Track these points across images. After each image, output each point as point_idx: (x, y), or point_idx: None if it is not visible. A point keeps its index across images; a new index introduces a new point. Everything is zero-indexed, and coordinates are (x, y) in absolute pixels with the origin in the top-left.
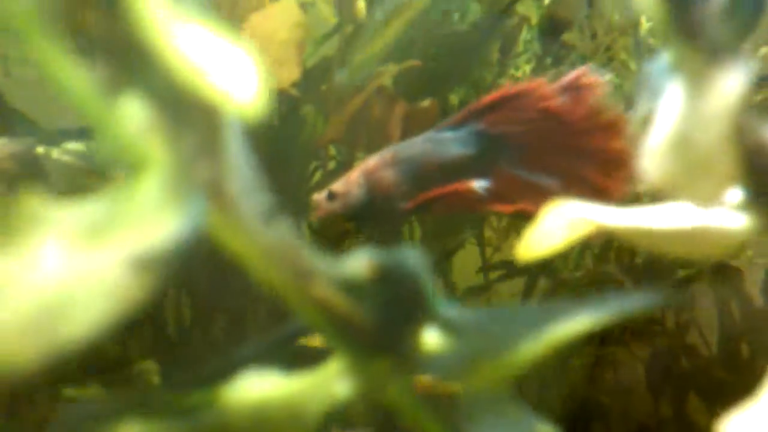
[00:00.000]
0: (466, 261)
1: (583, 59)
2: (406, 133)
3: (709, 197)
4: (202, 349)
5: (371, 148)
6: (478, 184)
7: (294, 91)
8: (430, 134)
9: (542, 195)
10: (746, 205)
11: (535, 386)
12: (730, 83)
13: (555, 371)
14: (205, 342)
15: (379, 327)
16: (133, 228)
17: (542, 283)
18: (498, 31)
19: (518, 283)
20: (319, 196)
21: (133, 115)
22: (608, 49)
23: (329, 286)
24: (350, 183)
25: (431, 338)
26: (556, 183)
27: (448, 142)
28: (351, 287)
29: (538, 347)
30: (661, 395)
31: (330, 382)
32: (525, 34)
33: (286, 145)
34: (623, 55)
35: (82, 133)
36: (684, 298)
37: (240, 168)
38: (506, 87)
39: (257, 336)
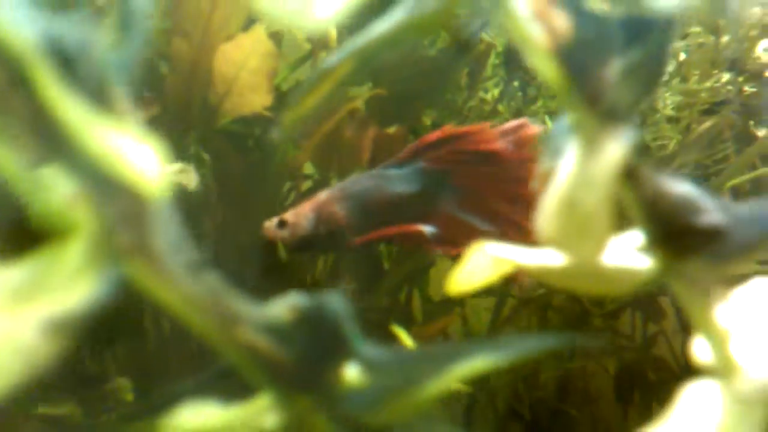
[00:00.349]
0: (443, 275)
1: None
2: (376, 156)
3: (589, 254)
4: (177, 364)
5: (342, 171)
6: (426, 229)
7: (268, 114)
8: (375, 171)
9: (475, 239)
10: (647, 248)
11: (506, 398)
12: (618, 145)
13: (526, 384)
14: (184, 357)
15: (302, 366)
16: (51, 292)
17: (510, 300)
18: (466, 57)
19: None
20: (270, 223)
21: (59, 187)
22: None
23: (253, 330)
24: (300, 215)
25: (351, 375)
26: (492, 226)
27: (392, 179)
28: (274, 330)
29: (445, 383)
30: (630, 406)
31: (259, 415)
32: (493, 59)
33: (261, 166)
34: None
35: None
36: (648, 308)
37: (165, 228)
38: (449, 127)
39: (204, 366)
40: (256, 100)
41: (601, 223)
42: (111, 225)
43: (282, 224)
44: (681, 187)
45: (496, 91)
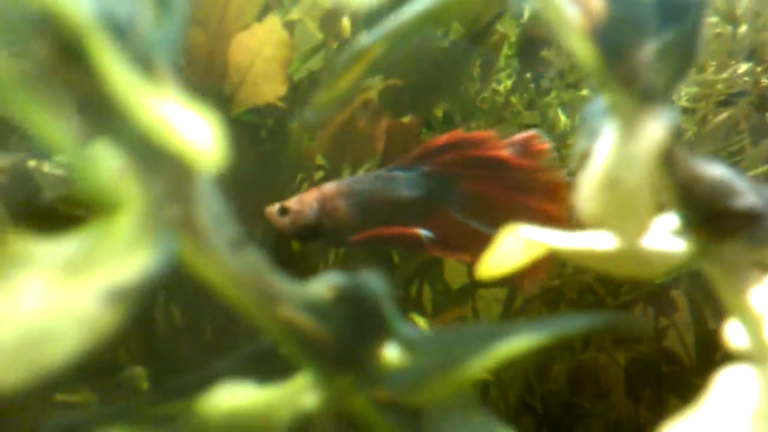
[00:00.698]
0: (453, 268)
1: (561, 75)
2: (389, 146)
3: (634, 233)
4: (191, 354)
5: (356, 162)
6: (423, 233)
7: (281, 105)
8: (382, 172)
9: (480, 243)
10: (682, 231)
11: (519, 391)
12: (657, 126)
13: (538, 377)
14: (195, 347)
15: (342, 344)
16: (107, 264)
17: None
18: (479, 48)
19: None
20: (272, 209)
21: (108, 162)
22: None
23: (294, 307)
24: (304, 203)
25: (390, 355)
26: (494, 233)
27: (398, 182)
28: (315, 309)
29: (485, 363)
30: (641, 399)
31: (298, 394)
32: (506, 51)
33: (274, 157)
34: None
35: None
36: (660, 302)
37: (209, 203)
38: (457, 132)
39: (239, 347)
40: (271, 89)
41: (644, 202)
42: (159, 199)
43: (284, 211)
44: (716, 170)
45: (508, 83)
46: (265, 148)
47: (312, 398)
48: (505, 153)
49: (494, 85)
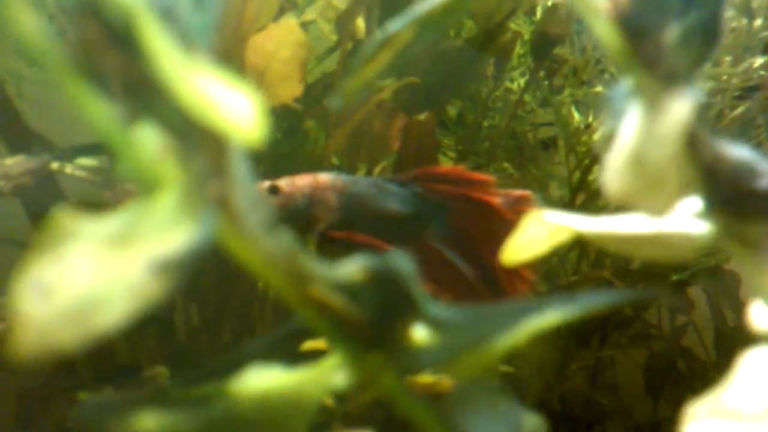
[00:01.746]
0: None
1: (575, 72)
2: (405, 145)
3: (661, 208)
4: (210, 354)
5: (372, 161)
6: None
7: (296, 106)
8: (378, 180)
9: (450, 276)
10: (705, 213)
11: (537, 389)
12: (682, 106)
13: (556, 375)
14: (214, 347)
15: (372, 324)
16: (153, 238)
17: (541, 287)
18: (492, 46)
19: None
20: (262, 185)
21: (149, 142)
22: (598, 62)
23: (326, 288)
24: (296, 187)
25: (420, 334)
26: (474, 273)
27: (391, 195)
28: (346, 289)
29: (515, 339)
30: (660, 397)
31: (329, 374)
32: (518, 49)
33: (290, 158)
34: (613, 69)
35: (94, 150)
36: (677, 299)
37: (245, 184)
38: (460, 168)
39: (261, 335)
40: (287, 90)
41: (670, 177)
42: (199, 177)
43: (274, 190)
44: (740, 152)
45: (522, 81)
46: (281, 149)
47: (342, 378)
48: (497, 201)
49: (507, 83)
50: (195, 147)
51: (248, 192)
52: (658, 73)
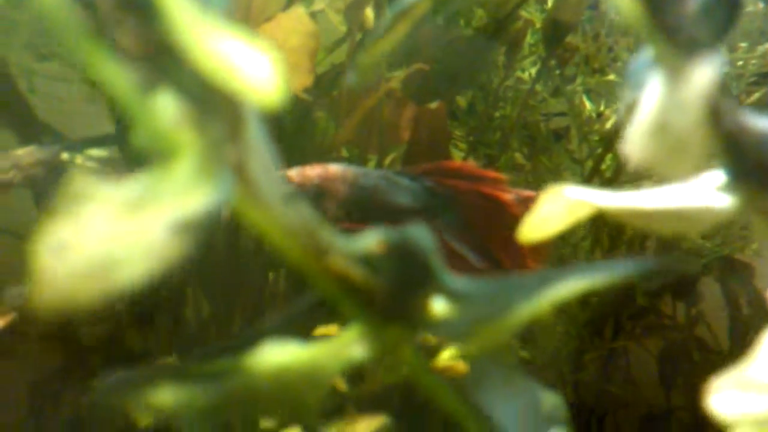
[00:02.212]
0: None
1: (587, 60)
2: (416, 133)
3: (685, 174)
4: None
5: (382, 151)
6: None
7: (306, 96)
8: (388, 173)
9: (460, 269)
10: (728, 186)
11: (550, 380)
12: (705, 75)
13: (570, 365)
14: (224, 337)
15: (391, 296)
16: (171, 200)
17: None
18: (503, 35)
19: None
20: None
21: (166, 108)
22: (610, 50)
23: (345, 259)
24: (306, 178)
25: (438, 306)
26: (483, 265)
27: (400, 188)
28: (365, 261)
29: (534, 309)
30: (673, 387)
31: (347, 346)
32: (529, 38)
33: (300, 148)
34: (625, 56)
35: (104, 141)
36: (691, 276)
37: (261, 152)
38: (472, 164)
39: (275, 312)
40: (296, 80)
41: (694, 144)
42: (216, 143)
43: (283, 180)
44: (765, 123)
45: (533, 70)
46: (290, 140)
47: (360, 350)
48: (508, 197)
49: (518, 72)
50: (212, 113)
51: (265, 159)
52: (680, 43)
